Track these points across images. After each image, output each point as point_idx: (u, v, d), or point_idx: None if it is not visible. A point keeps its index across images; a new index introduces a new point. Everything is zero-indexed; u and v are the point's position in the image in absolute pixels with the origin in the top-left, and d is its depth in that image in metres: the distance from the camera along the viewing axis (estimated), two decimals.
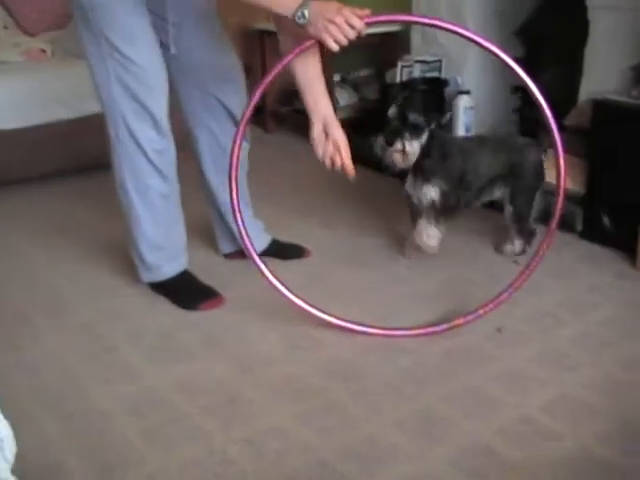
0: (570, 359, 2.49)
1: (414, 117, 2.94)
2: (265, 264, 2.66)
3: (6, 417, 1.43)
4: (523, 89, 4.20)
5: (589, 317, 2.76)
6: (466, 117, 4.14)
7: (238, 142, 2.55)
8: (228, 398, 2.33)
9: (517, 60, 4.10)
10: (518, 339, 2.62)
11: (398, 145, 2.92)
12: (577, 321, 2.73)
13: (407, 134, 2.92)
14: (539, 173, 3.21)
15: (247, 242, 2.62)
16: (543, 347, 2.57)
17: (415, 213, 3.16)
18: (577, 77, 3.61)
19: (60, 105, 4.33)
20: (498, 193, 3.21)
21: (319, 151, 2.68)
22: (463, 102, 4.14)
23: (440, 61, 4.35)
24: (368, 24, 2.29)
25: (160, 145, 2.77)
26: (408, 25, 4.58)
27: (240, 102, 2.96)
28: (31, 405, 2.33)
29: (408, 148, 2.92)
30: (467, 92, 4.18)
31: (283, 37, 2.66)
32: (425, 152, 2.98)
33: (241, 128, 2.54)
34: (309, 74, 2.64)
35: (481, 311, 2.65)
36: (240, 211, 2.60)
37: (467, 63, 4.29)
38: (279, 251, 3.25)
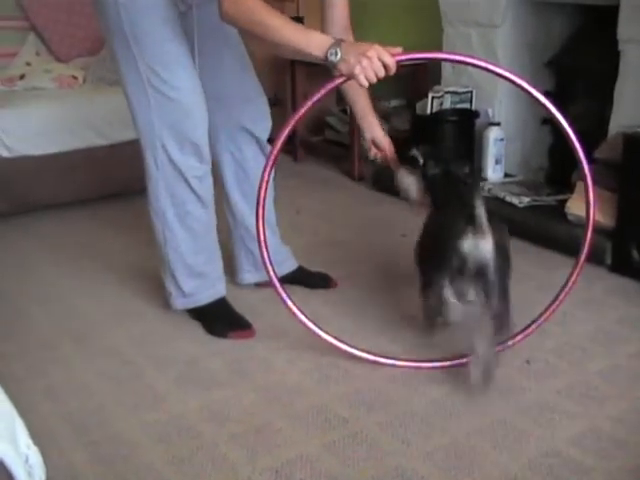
0: (599, 392, 2.48)
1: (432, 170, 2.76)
2: (289, 296, 2.66)
3: (34, 444, 1.43)
4: (553, 121, 4.22)
5: (619, 350, 2.74)
6: (496, 149, 4.15)
7: (266, 177, 2.53)
8: (255, 427, 2.33)
9: (547, 93, 4.14)
10: (547, 371, 2.61)
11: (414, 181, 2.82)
12: (607, 354, 2.71)
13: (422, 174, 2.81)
14: None
15: (273, 276, 2.64)
16: (572, 380, 2.55)
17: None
18: (608, 110, 3.61)
19: (91, 132, 4.36)
20: None
21: (371, 154, 2.97)
22: (493, 134, 4.15)
23: (471, 92, 4.36)
24: (399, 62, 2.29)
25: (201, 171, 2.79)
26: None
27: (265, 127, 3.02)
28: (58, 432, 2.34)
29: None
30: (497, 124, 4.19)
31: None
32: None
33: (269, 163, 2.52)
34: (360, 104, 2.91)
35: (510, 342, 2.65)
36: (266, 243, 2.61)
37: (498, 94, 4.30)
38: (306, 279, 3.25)
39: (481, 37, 4.25)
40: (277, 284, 2.64)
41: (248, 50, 2.99)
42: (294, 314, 2.66)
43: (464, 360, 2.62)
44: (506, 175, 4.25)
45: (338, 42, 2.28)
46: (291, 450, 2.21)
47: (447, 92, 4.35)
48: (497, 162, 4.17)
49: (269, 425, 2.34)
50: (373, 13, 5.28)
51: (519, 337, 2.64)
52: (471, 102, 4.38)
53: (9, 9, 4.97)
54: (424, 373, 2.60)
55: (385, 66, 2.26)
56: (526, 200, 3.83)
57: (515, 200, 3.84)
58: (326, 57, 2.28)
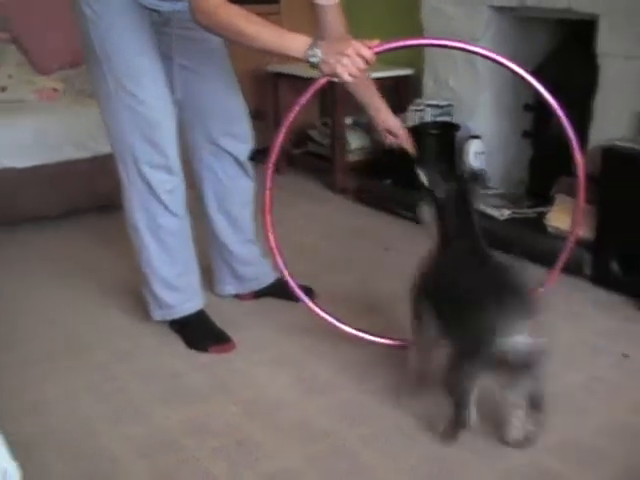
0: (579, 403, 2.50)
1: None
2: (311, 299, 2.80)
3: (16, 458, 1.44)
4: (533, 135, 4.25)
5: (598, 361, 2.76)
6: (477, 162, 4.16)
7: (269, 185, 2.59)
8: (237, 441, 2.34)
9: (527, 106, 4.18)
10: None
11: None
12: (586, 365, 2.74)
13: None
14: None
15: (290, 281, 2.76)
16: (552, 391, 2.55)
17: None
18: (588, 123, 3.63)
19: (73, 144, 4.36)
20: None
21: (387, 142, 2.99)
22: (474, 147, 4.17)
23: (451, 105, 4.38)
24: (377, 53, 2.38)
25: (171, 185, 2.80)
26: (421, 69, 4.62)
27: (245, 149, 3.03)
28: (41, 446, 2.34)
29: None
30: (478, 137, 4.20)
31: None
32: None
33: (269, 172, 2.58)
34: (367, 94, 2.94)
35: None
36: (280, 251, 2.71)
37: (478, 108, 4.32)
38: (286, 292, 3.25)
39: (463, 53, 4.26)
40: (297, 290, 2.77)
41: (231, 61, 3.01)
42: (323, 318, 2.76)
43: None
44: (487, 188, 4.27)
45: (315, 43, 2.35)
46: (273, 464, 2.22)
47: (428, 105, 4.37)
48: None
49: (251, 439, 2.35)
50: (355, 25, 5.29)
51: None
52: (452, 115, 4.40)
53: None
54: (406, 387, 2.60)
55: (365, 59, 2.35)
56: (507, 213, 3.85)
57: (496, 213, 3.86)
58: (306, 60, 2.36)
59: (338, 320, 2.76)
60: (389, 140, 2.97)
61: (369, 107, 2.96)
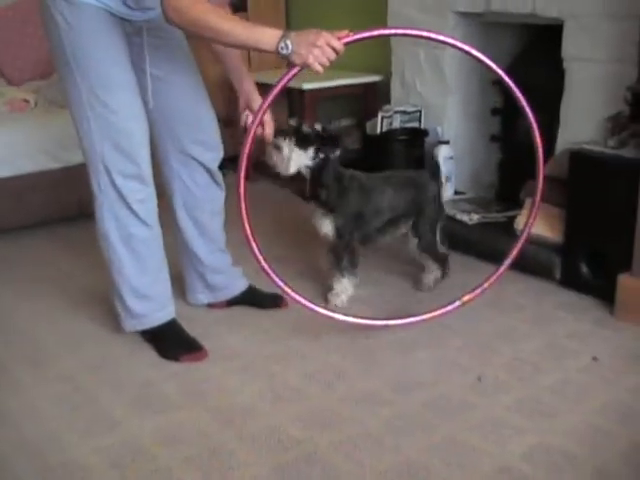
0: (550, 407, 2.51)
1: (306, 129, 3.18)
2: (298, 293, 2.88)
3: None
4: (501, 138, 4.27)
5: (568, 364, 2.77)
6: (446, 167, 4.17)
7: (242, 192, 2.66)
8: (209, 449, 2.33)
9: (496, 110, 4.19)
10: (498, 387, 2.63)
11: (280, 142, 3.11)
12: (557, 368, 2.75)
13: (295, 140, 3.12)
14: (439, 205, 3.44)
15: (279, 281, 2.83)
16: (523, 395, 2.58)
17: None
18: (555, 127, 3.65)
19: (44, 155, 4.35)
20: (403, 229, 3.36)
21: (242, 121, 3.02)
22: (443, 152, 4.18)
23: (420, 111, 4.39)
24: (346, 44, 2.46)
25: (143, 194, 2.79)
26: (389, 75, 4.63)
27: (214, 157, 3.04)
28: (10, 458, 2.33)
29: (290, 152, 3.12)
30: (447, 142, 4.22)
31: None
32: (324, 184, 3.23)
33: (243, 163, 2.62)
34: (233, 64, 3.00)
35: (486, 284, 2.84)
36: (261, 252, 2.80)
37: (446, 113, 4.33)
38: (257, 299, 3.26)
39: (429, 56, 4.28)
40: (275, 278, 2.84)
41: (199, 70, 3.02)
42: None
43: (449, 308, 2.90)
44: (457, 193, 4.28)
45: (286, 35, 2.41)
46: (245, 472, 2.22)
47: (396, 111, 4.38)
48: (447, 180, 4.19)
49: (223, 447, 2.34)
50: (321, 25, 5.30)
51: (493, 278, 2.94)
52: (420, 121, 4.41)
53: None
54: (375, 393, 2.62)
55: (334, 50, 2.42)
56: (476, 217, 3.87)
57: (465, 217, 3.87)
58: (277, 52, 2.41)
59: (311, 302, 2.88)
60: (243, 121, 3.00)
61: (236, 82, 3.03)
